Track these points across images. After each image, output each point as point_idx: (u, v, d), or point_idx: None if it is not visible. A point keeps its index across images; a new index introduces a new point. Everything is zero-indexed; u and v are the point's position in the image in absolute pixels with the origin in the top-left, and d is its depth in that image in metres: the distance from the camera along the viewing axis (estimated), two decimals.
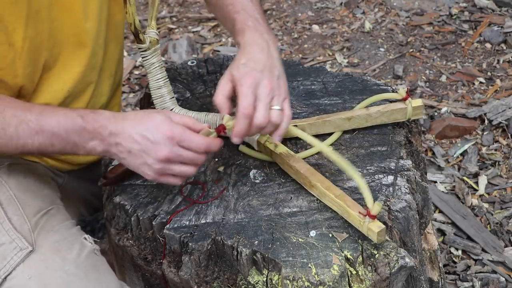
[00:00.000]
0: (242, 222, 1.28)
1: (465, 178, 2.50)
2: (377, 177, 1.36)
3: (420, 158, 1.52)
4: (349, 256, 1.20)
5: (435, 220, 2.31)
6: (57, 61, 1.36)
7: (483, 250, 2.20)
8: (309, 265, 1.18)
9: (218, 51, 3.43)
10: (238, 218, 1.29)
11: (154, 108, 1.54)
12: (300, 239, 1.23)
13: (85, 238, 1.30)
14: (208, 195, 1.36)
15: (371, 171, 1.38)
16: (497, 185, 2.47)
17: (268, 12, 3.74)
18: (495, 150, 2.63)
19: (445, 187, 2.47)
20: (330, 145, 1.45)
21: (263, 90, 1.25)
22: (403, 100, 1.49)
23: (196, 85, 1.70)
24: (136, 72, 3.35)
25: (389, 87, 1.62)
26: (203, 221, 1.29)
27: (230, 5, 1.43)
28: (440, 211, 2.35)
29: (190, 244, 1.25)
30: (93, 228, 1.83)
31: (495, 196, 2.43)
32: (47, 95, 1.36)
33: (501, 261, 2.16)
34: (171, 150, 1.19)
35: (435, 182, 2.48)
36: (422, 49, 3.32)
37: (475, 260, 2.18)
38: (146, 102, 1.68)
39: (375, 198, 1.25)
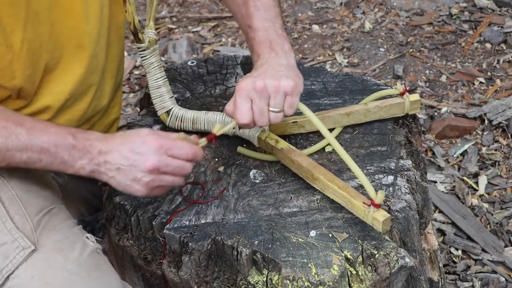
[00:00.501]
0: (242, 222, 1.28)
1: (465, 178, 2.50)
2: (377, 177, 1.36)
3: (420, 158, 1.52)
4: (349, 256, 1.20)
5: (435, 220, 2.31)
6: (58, 63, 1.35)
7: (483, 250, 2.20)
8: (309, 265, 1.18)
9: (218, 51, 3.43)
10: (238, 218, 1.29)
11: (154, 108, 1.55)
12: (300, 239, 1.23)
13: (87, 237, 1.30)
14: (208, 195, 1.36)
15: (371, 171, 1.38)
16: (497, 185, 2.47)
17: None
18: (495, 150, 2.63)
19: (445, 187, 2.47)
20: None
21: (255, 94, 1.28)
22: (401, 94, 1.50)
23: (196, 85, 1.70)
24: (136, 72, 3.35)
25: (389, 87, 1.62)
26: (203, 221, 1.29)
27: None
28: (440, 211, 2.35)
29: (190, 244, 1.25)
30: (93, 228, 1.83)
31: (495, 196, 2.43)
32: (49, 97, 1.36)
33: (501, 261, 2.16)
34: (159, 159, 1.21)
35: (435, 182, 2.48)
36: (422, 49, 3.32)
37: (475, 260, 2.18)
38: (146, 102, 1.68)
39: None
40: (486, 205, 2.39)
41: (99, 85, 1.45)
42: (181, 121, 1.51)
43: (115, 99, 1.60)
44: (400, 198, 1.30)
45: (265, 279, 1.22)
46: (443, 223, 2.31)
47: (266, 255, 1.20)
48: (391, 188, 1.33)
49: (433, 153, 2.64)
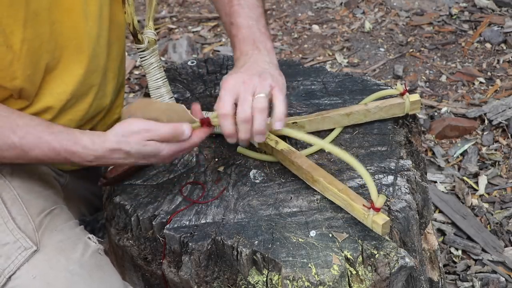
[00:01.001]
0: (242, 222, 1.28)
1: (465, 178, 2.50)
2: (377, 177, 1.36)
3: (420, 158, 1.52)
4: (349, 256, 1.20)
5: (435, 220, 2.31)
6: (59, 64, 1.35)
7: (483, 250, 2.20)
8: (309, 265, 1.18)
9: (218, 51, 3.43)
10: (238, 218, 1.29)
11: None
12: (300, 239, 1.23)
13: (89, 238, 1.30)
14: (208, 195, 1.36)
15: (371, 171, 1.38)
16: (497, 185, 2.47)
17: (268, 12, 3.74)
18: (495, 150, 2.63)
19: (445, 187, 2.47)
20: (331, 142, 1.46)
21: (241, 87, 1.26)
22: (401, 95, 1.51)
23: (196, 85, 1.70)
24: (136, 72, 3.35)
25: (389, 87, 1.62)
26: (203, 221, 1.29)
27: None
28: (440, 211, 2.35)
29: (190, 244, 1.25)
30: (93, 228, 1.83)
31: (495, 196, 2.43)
32: (50, 98, 1.36)
33: (501, 261, 2.16)
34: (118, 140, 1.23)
35: (435, 182, 2.48)
36: (422, 49, 3.32)
37: (475, 260, 2.18)
38: None
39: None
40: (486, 205, 2.39)
41: (100, 85, 1.45)
42: None
43: (118, 99, 1.59)
44: (400, 198, 1.31)
45: (265, 279, 1.22)
46: (443, 223, 2.31)
47: (266, 255, 1.20)
48: (391, 188, 1.33)
49: (433, 153, 2.64)
